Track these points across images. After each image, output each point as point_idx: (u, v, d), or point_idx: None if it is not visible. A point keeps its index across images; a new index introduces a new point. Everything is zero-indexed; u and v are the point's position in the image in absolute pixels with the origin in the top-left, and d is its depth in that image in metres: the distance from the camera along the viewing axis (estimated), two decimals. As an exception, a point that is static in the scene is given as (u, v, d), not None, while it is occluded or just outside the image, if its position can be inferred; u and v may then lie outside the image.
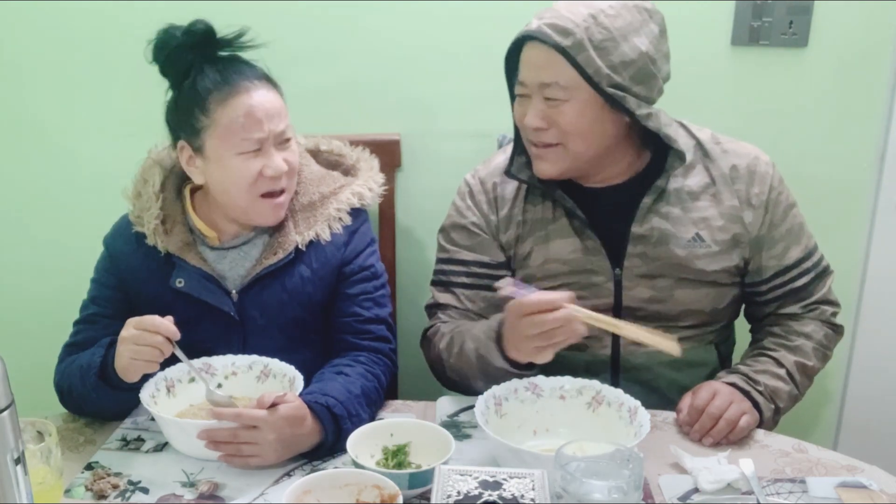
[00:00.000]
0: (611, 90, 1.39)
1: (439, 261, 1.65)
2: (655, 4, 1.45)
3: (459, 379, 1.53)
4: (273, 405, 1.28)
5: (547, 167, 1.48)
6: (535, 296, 1.30)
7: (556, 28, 1.38)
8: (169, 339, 1.31)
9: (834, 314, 1.59)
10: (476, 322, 1.53)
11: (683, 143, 1.50)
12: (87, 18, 1.89)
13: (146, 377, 1.37)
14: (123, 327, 1.34)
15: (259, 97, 1.42)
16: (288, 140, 1.47)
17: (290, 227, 1.50)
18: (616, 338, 1.53)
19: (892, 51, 1.86)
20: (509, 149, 1.58)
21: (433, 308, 1.64)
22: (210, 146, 1.43)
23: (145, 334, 1.31)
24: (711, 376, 1.53)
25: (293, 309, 1.51)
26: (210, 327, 1.49)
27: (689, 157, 1.49)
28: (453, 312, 1.60)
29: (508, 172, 1.56)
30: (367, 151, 1.69)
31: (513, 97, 1.52)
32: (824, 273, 1.59)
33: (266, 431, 1.27)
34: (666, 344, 1.33)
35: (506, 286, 1.34)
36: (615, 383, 1.49)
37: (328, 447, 1.34)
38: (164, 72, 1.46)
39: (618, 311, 1.53)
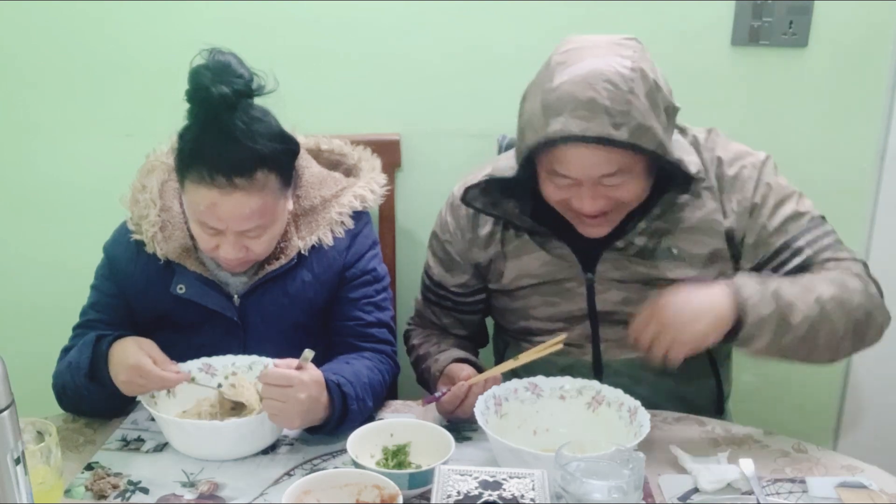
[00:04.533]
0: (672, 159, 1.35)
1: (425, 265, 1.67)
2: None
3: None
4: (298, 367, 1.30)
5: (598, 231, 1.44)
6: (447, 397, 1.39)
7: (611, 124, 1.27)
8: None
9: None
10: (437, 354, 1.54)
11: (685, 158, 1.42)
12: (86, 19, 1.89)
13: None
14: (119, 367, 1.35)
15: (230, 202, 1.34)
16: (258, 236, 1.40)
17: (292, 232, 1.49)
18: (596, 344, 1.53)
19: (892, 51, 1.86)
20: (500, 160, 1.51)
21: (416, 304, 1.71)
22: (184, 192, 1.40)
23: (148, 384, 1.35)
24: (703, 385, 1.53)
25: (295, 314, 1.51)
26: (210, 332, 1.49)
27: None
28: (419, 320, 1.70)
29: (464, 199, 1.50)
30: (369, 151, 1.68)
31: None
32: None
33: (298, 390, 1.28)
34: (551, 344, 1.42)
35: (422, 405, 1.44)
36: None
37: (333, 425, 1.34)
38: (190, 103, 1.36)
39: (592, 315, 1.52)
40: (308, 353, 1.33)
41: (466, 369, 1.44)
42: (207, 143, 1.33)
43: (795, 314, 1.32)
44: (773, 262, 1.45)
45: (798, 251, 1.43)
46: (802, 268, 1.43)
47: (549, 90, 1.31)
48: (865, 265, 1.45)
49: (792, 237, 1.44)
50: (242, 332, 1.50)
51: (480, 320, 1.70)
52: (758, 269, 1.45)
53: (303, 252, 1.49)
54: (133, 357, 1.34)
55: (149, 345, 1.38)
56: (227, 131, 1.32)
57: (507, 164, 1.47)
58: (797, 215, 1.45)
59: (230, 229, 1.37)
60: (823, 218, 1.48)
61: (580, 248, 1.49)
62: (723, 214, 1.45)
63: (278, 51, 1.88)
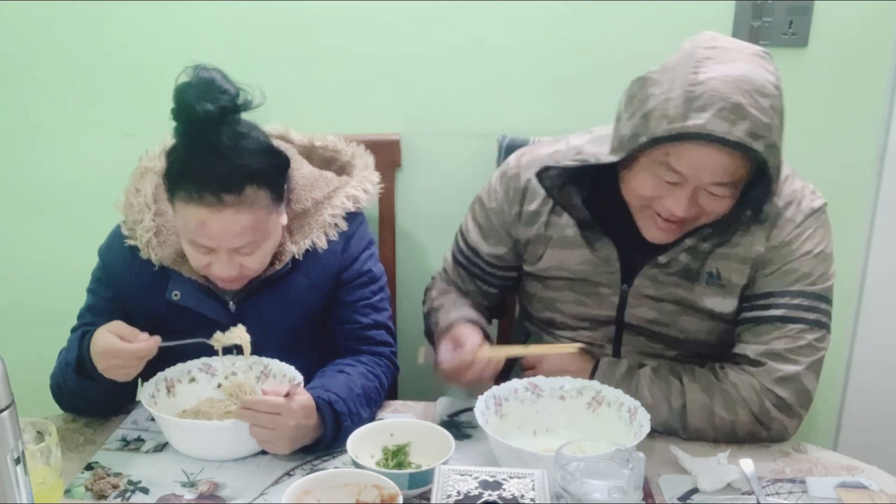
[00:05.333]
0: (774, 187, 1.32)
1: (462, 226, 1.63)
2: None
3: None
4: (287, 394, 1.29)
5: (664, 236, 1.39)
6: (451, 361, 1.37)
7: (751, 133, 1.24)
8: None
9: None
10: (450, 308, 1.53)
11: None
12: (86, 19, 1.89)
13: None
14: (96, 357, 1.34)
15: (220, 220, 1.32)
16: (251, 252, 1.38)
17: (286, 237, 1.47)
18: (617, 348, 1.51)
19: (892, 51, 1.86)
20: (560, 142, 1.50)
21: (444, 262, 1.67)
22: (175, 211, 1.39)
23: (124, 362, 1.34)
24: None
25: (291, 319, 1.50)
26: (207, 338, 1.47)
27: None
28: (445, 275, 1.66)
29: (539, 176, 1.45)
30: (362, 147, 1.65)
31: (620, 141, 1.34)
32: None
33: (287, 418, 1.27)
34: (566, 347, 1.43)
35: (422, 357, 1.42)
36: None
37: (326, 443, 1.34)
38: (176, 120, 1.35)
39: (620, 325, 1.50)
40: (298, 381, 1.34)
41: (475, 336, 1.40)
42: (194, 161, 1.32)
43: (653, 418, 1.31)
44: (752, 302, 1.42)
45: (773, 305, 1.39)
46: (762, 320, 1.40)
47: (694, 82, 1.26)
48: (811, 365, 1.38)
49: (782, 291, 1.40)
50: None
51: (504, 296, 1.67)
52: (742, 301, 1.43)
53: (297, 257, 1.47)
54: (101, 343, 1.34)
55: (116, 325, 1.36)
56: (214, 148, 1.31)
57: (594, 147, 1.41)
58: (804, 276, 1.40)
59: (222, 247, 1.35)
60: (829, 301, 1.42)
61: (624, 255, 1.46)
62: (763, 246, 1.41)
63: (278, 51, 1.88)
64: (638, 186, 1.35)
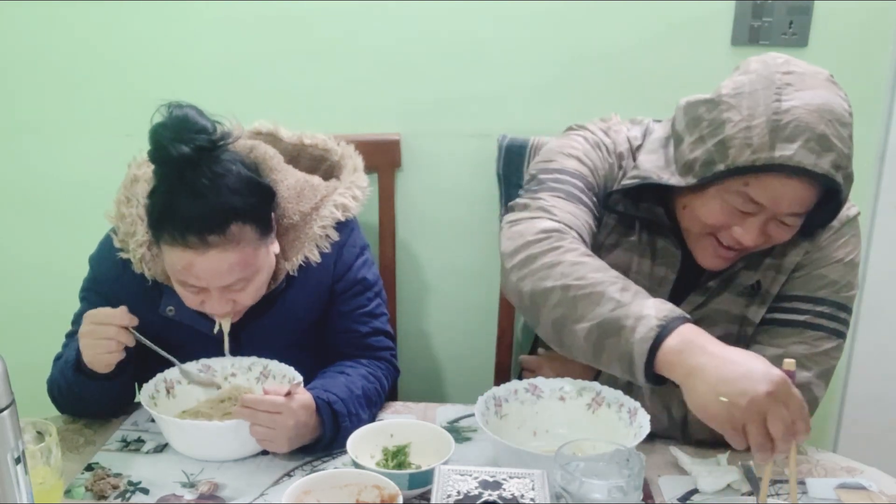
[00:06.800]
0: (839, 210, 1.33)
1: (541, 171, 1.42)
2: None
3: (535, 289, 1.26)
4: (288, 394, 1.29)
5: (722, 264, 1.37)
6: (805, 412, 1.09)
7: (835, 165, 1.21)
8: (128, 329, 1.34)
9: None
10: (629, 281, 1.24)
11: None
12: (87, 19, 1.89)
13: (122, 365, 1.37)
14: (82, 349, 1.34)
15: (206, 261, 1.31)
16: (243, 288, 1.37)
17: (278, 255, 1.46)
18: None
19: (892, 51, 1.86)
20: (634, 129, 1.45)
21: (528, 202, 1.38)
22: (161, 253, 1.38)
23: (100, 328, 1.33)
24: None
25: (286, 333, 1.49)
26: (202, 353, 1.47)
27: None
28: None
29: (606, 203, 1.39)
30: (352, 147, 1.63)
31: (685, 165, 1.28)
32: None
33: (287, 417, 1.27)
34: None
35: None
36: None
37: (325, 443, 1.34)
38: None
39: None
40: (298, 381, 1.34)
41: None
42: (175, 203, 1.30)
43: (654, 427, 1.27)
44: (777, 304, 1.41)
45: (797, 310, 1.39)
46: (783, 323, 1.39)
47: (778, 110, 1.22)
48: (822, 374, 1.39)
49: (807, 296, 1.39)
50: (234, 352, 1.48)
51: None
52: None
53: (291, 273, 1.45)
54: (81, 330, 1.34)
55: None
56: (194, 190, 1.29)
57: (650, 158, 1.36)
58: (831, 283, 1.39)
59: (212, 286, 1.34)
60: (849, 311, 1.41)
61: (679, 276, 1.42)
62: (801, 256, 1.40)
63: (278, 50, 1.88)
64: (706, 214, 1.31)
